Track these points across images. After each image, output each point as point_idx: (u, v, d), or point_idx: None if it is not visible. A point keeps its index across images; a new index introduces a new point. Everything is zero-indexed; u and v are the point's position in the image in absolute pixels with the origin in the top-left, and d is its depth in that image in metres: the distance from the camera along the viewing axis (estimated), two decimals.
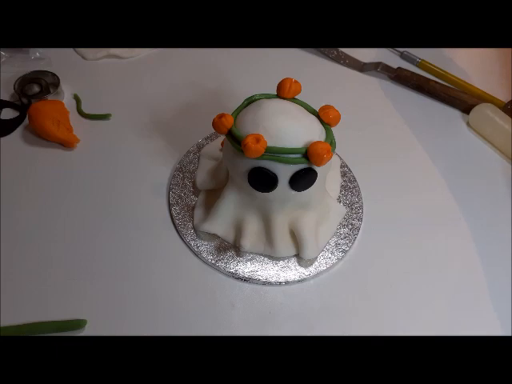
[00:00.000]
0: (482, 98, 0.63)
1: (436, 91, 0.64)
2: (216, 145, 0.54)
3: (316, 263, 0.47)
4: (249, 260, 0.47)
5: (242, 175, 0.43)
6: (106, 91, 0.61)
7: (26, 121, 0.56)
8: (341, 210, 0.50)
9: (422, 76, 0.65)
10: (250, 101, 0.45)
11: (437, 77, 0.67)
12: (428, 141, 0.60)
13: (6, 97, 0.59)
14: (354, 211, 0.51)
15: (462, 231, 0.51)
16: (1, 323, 0.41)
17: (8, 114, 0.58)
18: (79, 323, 0.42)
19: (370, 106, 0.63)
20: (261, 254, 0.47)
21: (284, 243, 0.47)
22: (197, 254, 0.47)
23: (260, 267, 0.46)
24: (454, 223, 0.52)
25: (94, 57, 0.64)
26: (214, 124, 0.42)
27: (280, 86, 0.44)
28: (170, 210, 0.50)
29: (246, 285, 0.46)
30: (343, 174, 0.54)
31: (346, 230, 0.50)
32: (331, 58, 0.68)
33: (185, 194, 0.51)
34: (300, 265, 0.47)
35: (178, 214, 0.49)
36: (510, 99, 0.63)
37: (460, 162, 0.58)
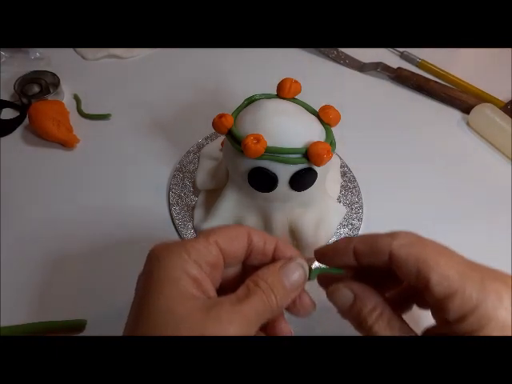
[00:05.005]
0: (482, 97, 0.63)
1: (436, 91, 0.64)
2: (216, 145, 0.54)
3: (316, 263, 0.47)
4: None
5: (242, 175, 0.43)
6: (106, 91, 0.61)
7: (26, 121, 0.56)
8: (341, 210, 0.50)
9: (421, 76, 0.65)
10: (250, 101, 0.45)
11: (437, 77, 0.67)
12: (428, 141, 0.60)
13: (5, 97, 0.59)
14: (353, 211, 0.51)
15: (461, 231, 0.51)
16: (1, 323, 0.41)
17: (8, 113, 0.58)
18: (79, 323, 0.42)
19: (370, 106, 0.63)
20: None
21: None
22: None
23: None
24: (454, 223, 0.52)
25: (93, 57, 0.64)
26: (213, 124, 0.42)
27: (280, 86, 0.44)
28: (170, 210, 0.50)
29: None
30: (343, 174, 0.54)
31: (346, 229, 0.50)
32: (331, 58, 0.68)
33: (185, 193, 0.51)
34: None
35: (178, 214, 0.49)
36: (510, 99, 0.63)
37: (460, 162, 0.58)
